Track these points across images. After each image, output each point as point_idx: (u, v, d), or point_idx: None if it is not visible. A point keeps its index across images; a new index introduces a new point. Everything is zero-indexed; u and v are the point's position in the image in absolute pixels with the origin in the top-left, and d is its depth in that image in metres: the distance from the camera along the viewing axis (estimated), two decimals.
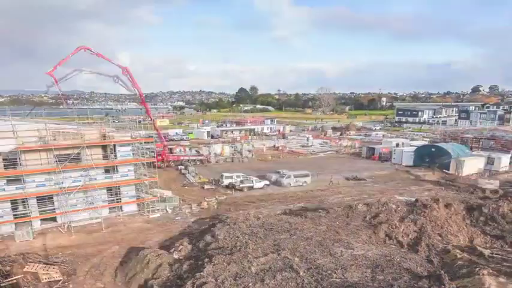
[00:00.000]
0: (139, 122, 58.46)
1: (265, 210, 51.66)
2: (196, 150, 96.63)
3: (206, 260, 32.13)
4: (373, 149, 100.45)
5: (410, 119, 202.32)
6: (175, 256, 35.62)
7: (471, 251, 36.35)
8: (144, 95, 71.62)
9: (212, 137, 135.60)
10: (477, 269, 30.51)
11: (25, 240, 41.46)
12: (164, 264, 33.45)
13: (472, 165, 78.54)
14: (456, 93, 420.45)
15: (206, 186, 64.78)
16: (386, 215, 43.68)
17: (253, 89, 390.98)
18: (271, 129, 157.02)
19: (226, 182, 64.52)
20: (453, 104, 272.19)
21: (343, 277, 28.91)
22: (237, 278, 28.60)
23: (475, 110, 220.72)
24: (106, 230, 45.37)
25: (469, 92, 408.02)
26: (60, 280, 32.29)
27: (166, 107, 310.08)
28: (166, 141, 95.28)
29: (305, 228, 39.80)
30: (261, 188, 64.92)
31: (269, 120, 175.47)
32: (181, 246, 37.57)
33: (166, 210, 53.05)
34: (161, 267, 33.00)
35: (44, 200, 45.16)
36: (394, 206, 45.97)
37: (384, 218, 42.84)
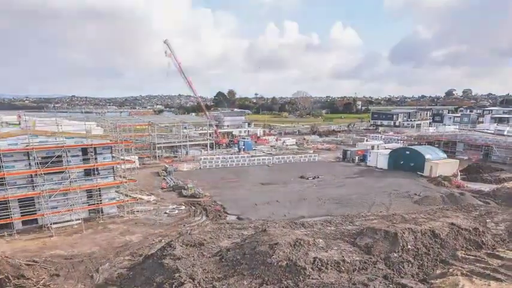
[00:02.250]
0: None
1: None
2: None
3: None
4: (347, 151, 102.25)
5: (385, 122, 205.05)
6: None
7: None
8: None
9: None
10: (451, 269, 31.39)
11: (6, 242, 42.15)
12: None
13: (446, 167, 79.99)
14: (430, 96, 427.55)
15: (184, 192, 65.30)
16: None
17: (231, 92, 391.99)
18: (248, 132, 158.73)
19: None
20: (427, 107, 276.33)
21: (319, 277, 29.52)
22: None
23: (448, 113, 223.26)
24: (86, 231, 46.27)
25: (443, 96, 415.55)
26: (43, 280, 33.06)
27: (146, 111, 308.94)
28: None
29: None
30: None
31: (246, 124, 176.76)
32: None
33: (146, 211, 54.13)
34: None
35: (24, 201, 45.76)
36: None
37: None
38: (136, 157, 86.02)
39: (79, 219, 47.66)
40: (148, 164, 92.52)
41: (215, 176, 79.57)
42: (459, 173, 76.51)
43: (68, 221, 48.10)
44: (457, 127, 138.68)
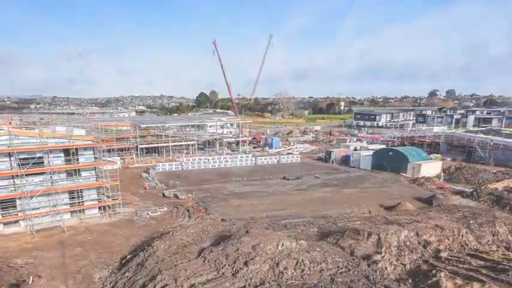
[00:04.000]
0: None
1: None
2: None
3: None
4: (330, 152, 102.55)
5: (368, 123, 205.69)
6: None
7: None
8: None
9: None
10: (434, 271, 31.48)
11: None
12: None
13: (429, 168, 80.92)
14: (413, 97, 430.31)
15: (166, 193, 65.38)
16: None
17: (213, 93, 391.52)
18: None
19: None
20: (410, 108, 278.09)
21: (301, 279, 29.86)
22: None
23: (432, 114, 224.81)
24: (68, 232, 46.05)
25: (426, 96, 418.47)
26: (25, 281, 32.92)
27: (128, 111, 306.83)
28: None
29: None
30: None
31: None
32: None
33: (128, 212, 54.06)
34: None
35: (6, 203, 45.52)
36: None
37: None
38: (118, 158, 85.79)
39: (61, 221, 47.38)
40: (131, 165, 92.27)
41: (198, 176, 79.69)
42: (442, 174, 77.51)
43: (50, 222, 47.80)
44: (441, 128, 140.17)
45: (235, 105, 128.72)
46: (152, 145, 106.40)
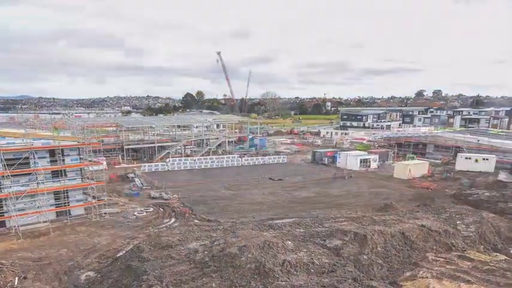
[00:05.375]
0: None
1: None
2: None
3: None
4: (319, 153, 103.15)
5: (354, 123, 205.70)
6: None
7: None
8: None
9: None
10: (421, 271, 31.71)
11: None
12: None
13: (416, 169, 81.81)
14: (400, 97, 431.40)
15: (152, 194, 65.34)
16: None
17: (200, 93, 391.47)
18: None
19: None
20: (397, 108, 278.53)
21: (288, 280, 29.70)
22: None
23: (418, 114, 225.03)
24: (54, 233, 45.94)
25: (413, 97, 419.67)
26: (10, 282, 32.85)
27: (114, 112, 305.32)
28: None
29: None
30: None
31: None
32: None
33: (114, 213, 54.05)
34: None
35: None
36: None
37: None
38: (104, 158, 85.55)
39: (46, 221, 47.22)
40: (118, 166, 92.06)
41: (184, 177, 79.82)
42: (429, 174, 78.59)
43: (35, 223, 47.59)
44: (428, 128, 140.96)
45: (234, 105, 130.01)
46: (138, 146, 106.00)
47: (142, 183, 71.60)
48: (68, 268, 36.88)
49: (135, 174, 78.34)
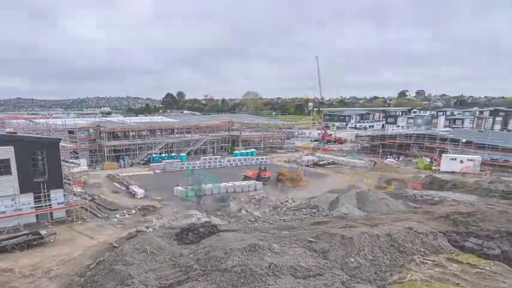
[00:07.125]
0: None
1: None
2: None
3: None
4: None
5: (337, 124, 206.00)
6: None
7: None
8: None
9: None
10: (409, 274, 31.48)
11: None
12: None
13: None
14: (383, 98, 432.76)
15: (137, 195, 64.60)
16: None
17: (180, 94, 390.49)
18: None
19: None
20: (380, 108, 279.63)
21: (275, 283, 29.30)
22: None
23: (401, 115, 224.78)
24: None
25: (395, 97, 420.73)
26: None
27: (94, 113, 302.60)
28: None
29: None
30: None
31: None
32: None
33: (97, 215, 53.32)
34: None
35: None
36: None
37: None
38: (85, 160, 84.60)
39: (27, 224, 46.35)
40: (102, 168, 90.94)
41: (168, 179, 78.91)
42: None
43: (15, 226, 46.64)
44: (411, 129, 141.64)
45: None
46: (120, 147, 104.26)
47: (126, 185, 70.64)
48: (50, 271, 36.06)
49: (119, 176, 77.19)
